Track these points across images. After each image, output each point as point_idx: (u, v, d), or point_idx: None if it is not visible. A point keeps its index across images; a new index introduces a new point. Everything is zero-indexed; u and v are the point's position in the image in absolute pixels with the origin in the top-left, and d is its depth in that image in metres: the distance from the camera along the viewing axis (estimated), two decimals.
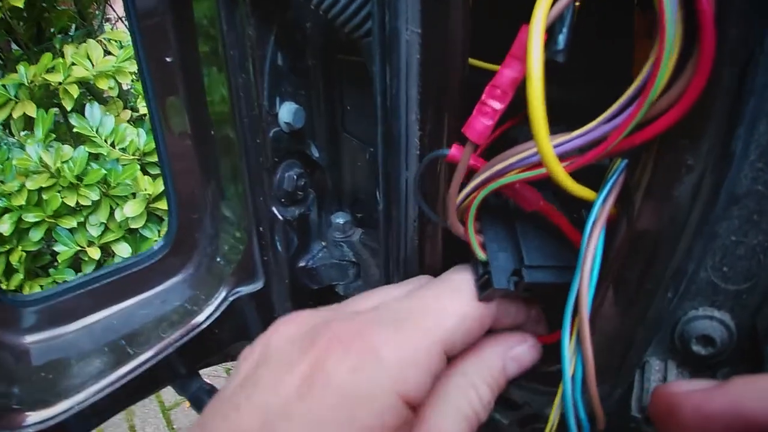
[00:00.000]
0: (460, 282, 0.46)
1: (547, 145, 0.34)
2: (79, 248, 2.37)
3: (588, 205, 0.41)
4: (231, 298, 0.79)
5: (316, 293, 0.78)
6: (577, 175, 0.37)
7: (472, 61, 0.50)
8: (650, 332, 0.39)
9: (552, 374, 0.50)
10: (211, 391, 0.83)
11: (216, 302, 0.80)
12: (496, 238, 0.45)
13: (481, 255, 0.45)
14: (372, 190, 0.73)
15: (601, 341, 0.43)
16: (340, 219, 0.73)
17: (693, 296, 0.38)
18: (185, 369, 0.80)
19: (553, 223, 0.43)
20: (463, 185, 0.43)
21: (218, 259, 0.84)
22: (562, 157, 0.36)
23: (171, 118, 0.71)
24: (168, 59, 0.66)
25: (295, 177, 0.69)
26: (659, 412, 0.33)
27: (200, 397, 0.81)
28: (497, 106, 0.38)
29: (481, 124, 0.38)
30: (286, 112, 0.64)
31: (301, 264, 0.75)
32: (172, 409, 2.02)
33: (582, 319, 0.38)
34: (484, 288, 0.45)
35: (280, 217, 0.70)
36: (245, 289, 0.79)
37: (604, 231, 0.39)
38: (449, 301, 0.44)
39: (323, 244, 0.77)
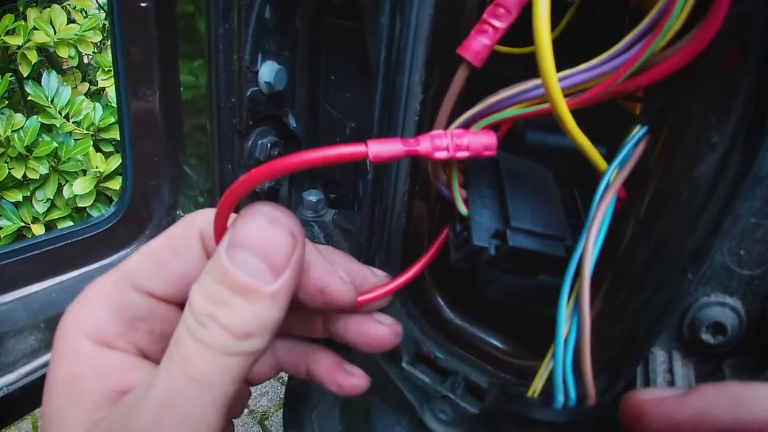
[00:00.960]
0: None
1: (551, 74, 0.31)
2: (23, 224, 2.24)
3: (584, 183, 0.38)
4: None
5: None
6: None
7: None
8: (658, 320, 0.37)
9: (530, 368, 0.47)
10: None
11: None
12: (481, 194, 0.42)
13: (462, 209, 0.41)
14: (350, 169, 0.69)
15: (602, 329, 0.40)
16: (312, 197, 0.68)
17: (707, 281, 0.35)
18: None
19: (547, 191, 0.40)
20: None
21: None
22: (566, 92, 0.33)
23: (138, 68, 0.65)
24: (143, 4, 0.60)
25: (268, 145, 0.64)
26: (629, 420, 0.32)
27: None
28: (498, 24, 0.35)
29: (479, 43, 0.35)
30: (268, 71, 0.59)
31: None
32: None
33: (583, 280, 0.35)
34: (462, 247, 0.41)
35: None
36: None
37: (615, 198, 0.36)
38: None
39: None
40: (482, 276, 0.45)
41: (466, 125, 0.39)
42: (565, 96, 0.34)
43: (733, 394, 0.27)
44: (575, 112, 0.34)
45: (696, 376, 0.37)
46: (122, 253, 0.78)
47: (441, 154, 0.36)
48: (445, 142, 0.36)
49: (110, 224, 0.76)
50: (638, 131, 0.36)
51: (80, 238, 0.73)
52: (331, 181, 0.72)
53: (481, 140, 0.36)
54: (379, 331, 0.45)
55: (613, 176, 0.35)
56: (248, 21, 0.56)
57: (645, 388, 0.36)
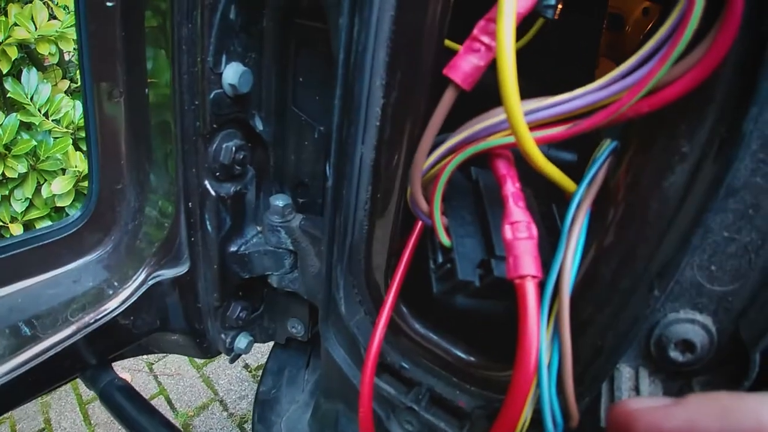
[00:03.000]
0: None
1: (515, 106, 0.28)
2: (1, 224, 2.17)
3: (561, 199, 0.36)
4: (150, 282, 0.69)
5: (246, 283, 0.70)
6: None
7: (449, 43, 0.44)
8: (624, 336, 0.34)
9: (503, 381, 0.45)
10: (124, 387, 0.73)
11: (133, 286, 0.69)
12: (463, 222, 0.39)
13: (445, 239, 0.39)
14: (318, 173, 0.66)
15: None
16: (279, 202, 0.65)
17: (675, 297, 0.33)
18: (95, 359, 0.69)
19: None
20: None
21: (140, 237, 0.74)
22: (533, 125, 0.30)
23: (103, 69, 0.62)
24: (109, 3, 0.57)
25: (233, 149, 0.60)
26: (616, 430, 0.30)
27: (110, 392, 0.71)
28: (493, 43, 0.31)
29: (468, 64, 0.32)
30: (232, 73, 0.56)
31: (233, 249, 0.67)
32: (90, 402, 1.86)
33: (562, 303, 0.33)
34: (446, 279, 0.39)
35: (212, 192, 0.62)
36: (167, 273, 0.69)
37: (588, 215, 0.33)
38: None
39: (259, 228, 0.69)
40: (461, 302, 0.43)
41: (451, 152, 0.36)
42: (560, 122, 0.31)
43: (721, 405, 0.26)
44: None
45: (663, 393, 0.35)
46: (88, 258, 0.75)
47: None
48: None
49: (76, 228, 0.72)
50: (608, 146, 0.34)
51: (46, 242, 0.69)
52: (300, 185, 0.69)
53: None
54: None
55: (582, 195, 0.33)
56: (212, 22, 0.53)
57: (633, 398, 0.34)
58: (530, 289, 0.31)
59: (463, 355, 0.46)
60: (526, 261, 0.32)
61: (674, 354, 0.33)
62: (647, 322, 0.33)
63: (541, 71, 0.52)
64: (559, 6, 0.32)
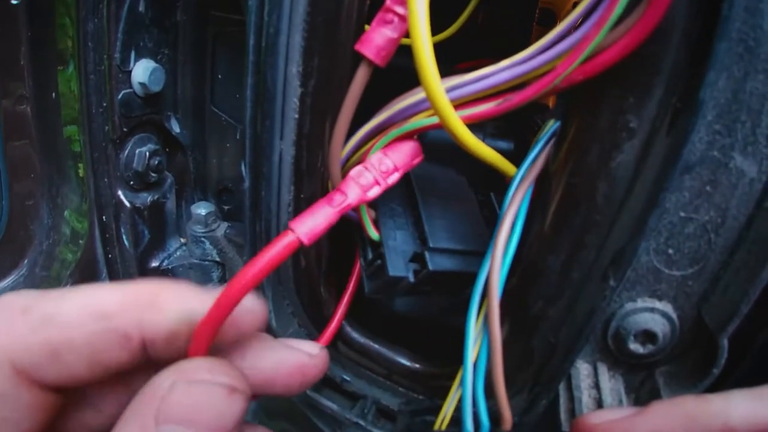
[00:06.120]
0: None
1: (433, 80, 0.24)
2: None
3: (500, 187, 0.32)
4: None
5: None
6: None
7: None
8: (579, 331, 0.30)
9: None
10: None
11: None
12: (393, 213, 0.34)
13: (373, 233, 0.34)
14: (243, 178, 0.60)
15: (515, 342, 0.34)
16: (201, 210, 0.58)
17: (631, 286, 0.29)
18: None
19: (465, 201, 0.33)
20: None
21: (56, 257, 0.66)
22: (488, 93, 0.26)
23: (9, 72, 0.54)
24: (14, 2, 0.49)
25: (147, 154, 0.54)
26: None
27: None
28: (406, 12, 0.27)
29: (382, 36, 0.27)
30: (142, 70, 0.49)
31: (154, 264, 0.60)
32: None
33: (491, 299, 0.29)
34: (376, 276, 0.34)
35: (126, 203, 0.55)
36: None
37: (528, 198, 0.29)
38: None
39: (182, 240, 0.62)
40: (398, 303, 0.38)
41: (372, 136, 0.31)
42: (489, 97, 0.27)
43: (685, 410, 0.25)
44: None
45: (626, 388, 0.32)
46: (3, 283, 0.66)
47: (374, 192, 0.29)
48: (371, 176, 0.29)
49: None
50: (551, 126, 0.30)
51: None
52: (224, 190, 0.62)
53: (404, 151, 0.30)
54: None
55: (522, 177, 0.29)
56: (119, 15, 0.47)
57: (596, 410, 0.31)
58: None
59: (407, 363, 0.42)
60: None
61: (634, 346, 0.29)
62: (603, 314, 0.30)
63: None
64: None
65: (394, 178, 0.30)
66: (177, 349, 0.26)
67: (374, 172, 0.29)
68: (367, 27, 0.30)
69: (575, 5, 0.26)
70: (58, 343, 0.25)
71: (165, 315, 0.26)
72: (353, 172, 0.30)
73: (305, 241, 0.26)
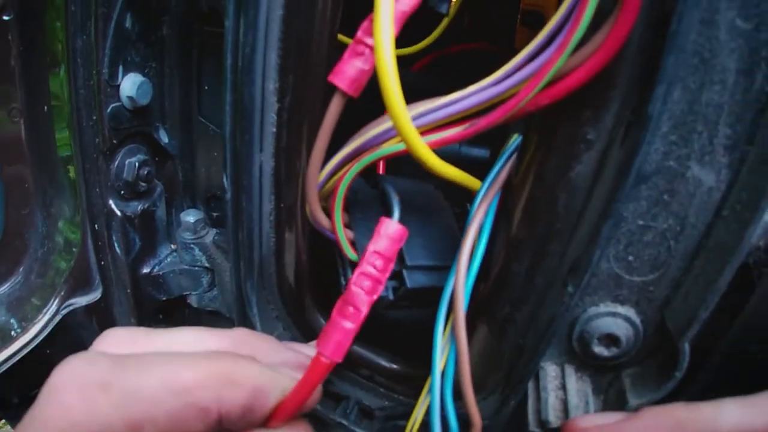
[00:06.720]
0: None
1: (399, 110, 0.25)
2: None
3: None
4: (63, 312, 0.63)
5: (164, 305, 0.64)
6: None
7: (342, 38, 0.40)
8: (543, 334, 0.31)
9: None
10: None
11: (46, 317, 0.63)
12: (370, 232, 0.35)
13: (351, 254, 0.35)
14: None
15: (486, 346, 0.35)
16: (190, 217, 0.59)
17: (593, 291, 0.30)
18: (17, 397, 0.64)
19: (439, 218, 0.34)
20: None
21: (50, 264, 0.67)
22: (458, 117, 0.27)
23: (1, 87, 0.55)
24: (5, 17, 0.50)
25: (137, 164, 0.55)
26: None
27: None
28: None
29: (353, 68, 0.28)
30: (130, 84, 0.51)
31: (145, 270, 0.61)
32: None
33: (456, 302, 0.30)
34: None
35: (118, 212, 0.56)
36: (80, 300, 0.63)
37: (493, 211, 0.30)
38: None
39: (172, 247, 0.63)
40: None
41: (346, 162, 0.32)
42: (456, 122, 0.28)
43: (675, 417, 0.25)
44: None
45: (593, 389, 0.33)
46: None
47: (379, 290, 0.31)
48: (372, 273, 0.30)
49: None
50: (514, 140, 0.31)
51: None
52: (212, 198, 0.63)
53: (390, 236, 0.31)
54: None
55: (485, 192, 0.30)
56: (106, 32, 0.48)
57: (584, 415, 0.31)
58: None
59: (386, 364, 0.43)
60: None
61: (598, 349, 0.30)
62: (565, 318, 0.31)
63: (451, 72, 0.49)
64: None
65: (390, 266, 0.31)
66: (249, 421, 0.28)
67: (373, 270, 0.31)
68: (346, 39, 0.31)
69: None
70: (140, 420, 0.25)
71: (242, 390, 0.27)
72: (354, 276, 0.31)
73: (339, 360, 0.29)
